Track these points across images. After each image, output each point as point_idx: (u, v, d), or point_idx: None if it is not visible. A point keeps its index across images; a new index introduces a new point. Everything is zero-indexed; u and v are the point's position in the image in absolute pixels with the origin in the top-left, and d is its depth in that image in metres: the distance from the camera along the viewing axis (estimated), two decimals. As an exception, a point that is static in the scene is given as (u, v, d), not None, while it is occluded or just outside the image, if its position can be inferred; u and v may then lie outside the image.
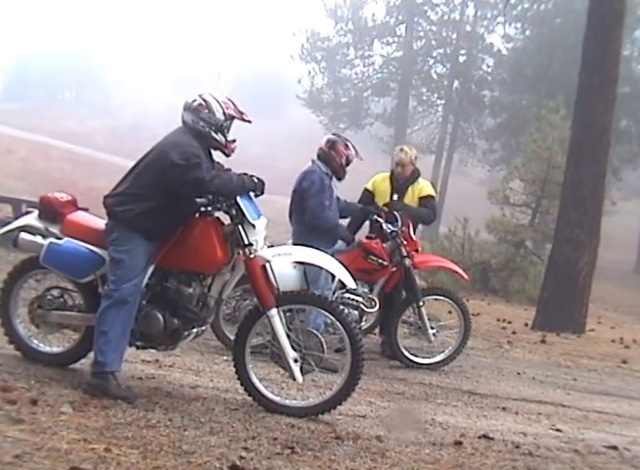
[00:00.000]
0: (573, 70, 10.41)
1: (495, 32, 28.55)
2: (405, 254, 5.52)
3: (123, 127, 39.02)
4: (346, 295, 5.34)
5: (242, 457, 2.84)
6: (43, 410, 3.07)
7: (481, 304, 11.29)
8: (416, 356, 5.63)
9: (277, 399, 3.65)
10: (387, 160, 29.41)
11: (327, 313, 3.61)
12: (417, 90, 29.30)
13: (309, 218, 5.15)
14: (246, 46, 56.40)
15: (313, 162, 5.38)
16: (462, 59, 28.68)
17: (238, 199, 3.55)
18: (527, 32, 25.83)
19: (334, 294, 5.32)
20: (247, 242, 3.55)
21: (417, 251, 5.69)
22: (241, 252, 3.60)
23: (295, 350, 3.56)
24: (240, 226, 3.55)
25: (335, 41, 29.01)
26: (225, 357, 4.93)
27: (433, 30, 28.54)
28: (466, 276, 6.33)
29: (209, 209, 3.56)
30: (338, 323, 3.57)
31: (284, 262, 4.62)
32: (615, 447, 3.79)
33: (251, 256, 3.56)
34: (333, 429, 3.45)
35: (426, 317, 5.55)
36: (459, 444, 3.50)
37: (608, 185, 11.40)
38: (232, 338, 5.09)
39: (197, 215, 3.62)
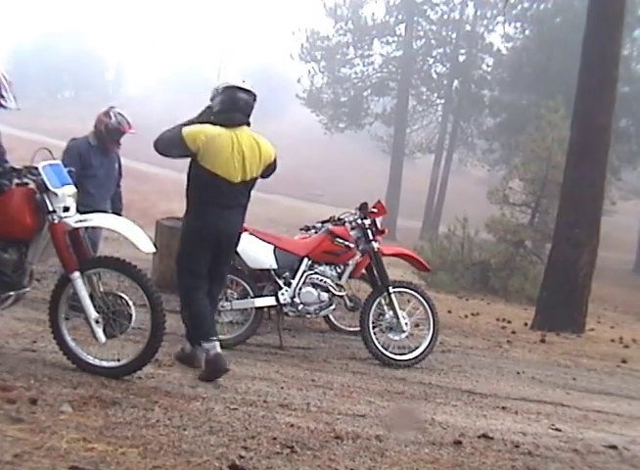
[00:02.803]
0: (573, 70, 10.42)
1: (495, 32, 28.66)
2: (372, 237, 5.64)
3: (123, 127, 38.96)
4: (315, 276, 5.53)
5: (241, 457, 2.84)
6: (43, 410, 3.07)
7: (481, 303, 11.29)
8: (393, 353, 5.56)
9: (90, 359, 3.85)
10: (386, 159, 29.52)
11: (125, 276, 3.82)
12: (417, 90, 29.33)
13: None
14: (245, 45, 56.40)
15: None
16: (462, 58, 28.73)
17: (40, 168, 3.74)
18: (527, 32, 25.85)
19: (302, 274, 5.48)
20: (50, 209, 3.74)
21: (383, 232, 5.80)
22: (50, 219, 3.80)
23: (99, 312, 3.76)
24: (44, 195, 3.75)
25: (334, 40, 29.00)
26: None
27: (432, 30, 28.57)
28: (427, 266, 6.49)
29: (25, 180, 3.76)
30: (136, 284, 3.77)
31: (253, 244, 5.38)
32: (614, 447, 3.79)
33: (55, 221, 3.75)
34: (332, 428, 3.45)
35: (397, 305, 5.54)
36: (458, 443, 3.50)
37: (607, 185, 11.40)
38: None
39: (14, 187, 3.79)
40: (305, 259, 5.56)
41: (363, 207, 5.72)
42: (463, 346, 6.96)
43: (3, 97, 3.90)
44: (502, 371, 5.98)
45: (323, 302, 5.54)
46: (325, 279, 5.54)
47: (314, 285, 5.52)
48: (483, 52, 28.56)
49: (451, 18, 28.51)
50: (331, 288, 5.53)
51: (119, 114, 5.92)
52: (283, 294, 5.46)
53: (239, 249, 5.40)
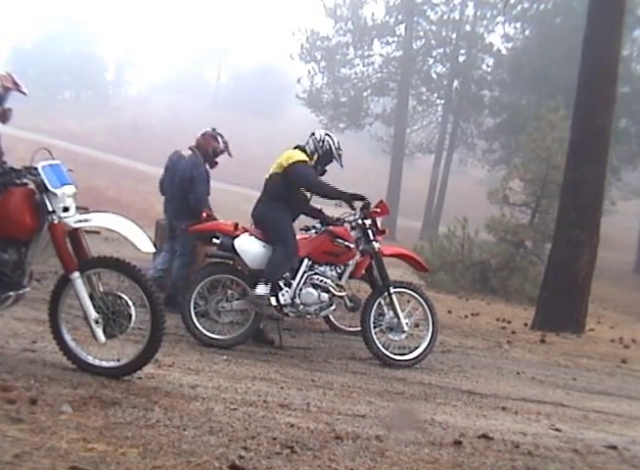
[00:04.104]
0: (573, 70, 10.41)
1: (495, 32, 28.64)
2: (372, 238, 5.61)
3: (123, 127, 38.98)
4: (315, 276, 5.50)
5: (241, 457, 2.83)
6: (43, 410, 3.07)
7: (481, 303, 11.29)
8: (393, 353, 5.56)
9: (90, 359, 3.85)
10: (386, 159, 29.53)
11: (125, 276, 3.81)
12: (416, 90, 29.32)
13: (195, 202, 6.34)
14: (245, 45, 56.39)
15: (194, 152, 6.54)
16: (462, 59, 28.72)
17: (39, 169, 3.74)
18: (527, 32, 25.85)
19: (303, 275, 5.46)
20: (50, 209, 3.74)
21: (383, 232, 5.77)
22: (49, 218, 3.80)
23: (99, 312, 3.76)
24: (43, 195, 3.74)
25: (334, 41, 29.00)
26: (225, 357, 4.94)
27: (432, 30, 28.55)
28: (426, 267, 6.44)
29: (24, 180, 3.76)
30: (135, 284, 3.76)
31: (253, 244, 5.41)
32: (614, 447, 3.79)
33: (55, 222, 3.74)
34: (332, 428, 3.45)
35: (398, 306, 5.54)
36: (458, 443, 3.50)
37: (607, 185, 11.40)
38: (202, 331, 5.33)
39: (14, 187, 3.78)
40: (305, 260, 5.54)
41: (365, 207, 5.70)
42: (463, 346, 6.97)
43: (18, 85, 3.94)
44: (502, 371, 5.98)
45: (323, 302, 5.52)
46: (325, 280, 5.52)
47: (314, 286, 5.50)
48: (483, 52, 28.55)
49: (451, 18, 28.49)
50: (331, 288, 5.51)
51: (221, 136, 6.73)
52: (283, 295, 5.44)
53: (239, 249, 5.40)
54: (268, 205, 5.62)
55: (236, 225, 5.53)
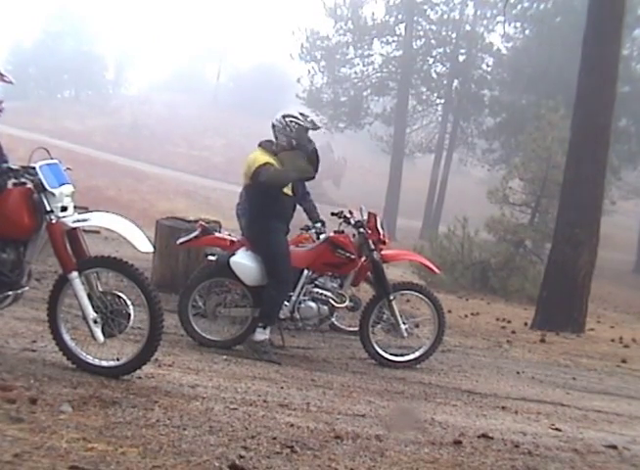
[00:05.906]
0: (573, 70, 10.42)
1: (495, 32, 28.70)
2: (373, 247, 5.43)
3: (122, 127, 38.98)
4: (315, 289, 5.40)
5: (241, 456, 2.83)
6: (42, 409, 3.07)
7: (481, 303, 11.30)
8: (395, 355, 5.53)
9: (89, 358, 3.85)
10: (386, 159, 29.52)
11: (123, 275, 3.80)
12: (416, 89, 29.33)
13: None
14: (245, 45, 56.38)
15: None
16: (462, 58, 28.74)
17: (37, 169, 3.73)
18: (527, 32, 25.87)
19: (302, 288, 5.38)
20: (48, 209, 3.74)
21: (384, 243, 5.55)
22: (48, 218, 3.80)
23: (97, 312, 3.75)
24: (41, 194, 3.74)
25: (334, 40, 29.01)
26: (225, 357, 4.94)
27: (432, 30, 28.57)
28: (437, 270, 6.28)
29: (22, 180, 3.76)
30: (134, 284, 3.75)
31: (251, 260, 5.18)
32: (614, 447, 3.79)
33: (53, 221, 3.74)
34: (332, 428, 3.45)
35: (397, 312, 5.46)
36: (458, 443, 3.50)
37: (607, 184, 11.42)
38: (200, 332, 5.28)
39: (12, 186, 3.78)
40: (305, 271, 5.38)
41: (363, 222, 5.50)
42: (463, 346, 6.97)
43: (3, 75, 3.90)
44: (502, 371, 5.98)
45: (323, 315, 5.40)
46: (325, 292, 5.36)
47: (314, 299, 5.36)
48: (483, 52, 28.57)
49: (451, 18, 28.51)
50: (331, 300, 5.36)
51: None
52: (282, 309, 5.28)
53: (235, 268, 5.17)
54: (261, 222, 5.24)
55: (232, 242, 5.35)
